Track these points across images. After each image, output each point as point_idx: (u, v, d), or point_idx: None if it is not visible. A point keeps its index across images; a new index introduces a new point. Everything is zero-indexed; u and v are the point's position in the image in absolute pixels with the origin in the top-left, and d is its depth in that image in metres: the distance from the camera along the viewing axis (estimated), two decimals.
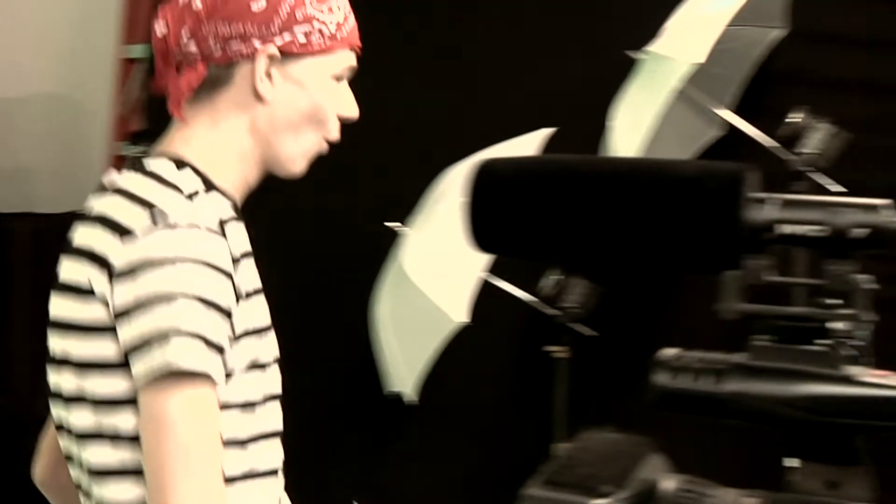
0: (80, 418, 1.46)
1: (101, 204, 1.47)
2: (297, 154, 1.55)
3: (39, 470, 1.71)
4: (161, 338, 1.36)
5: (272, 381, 1.52)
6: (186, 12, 1.50)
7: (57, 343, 1.48)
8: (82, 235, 1.47)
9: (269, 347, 1.52)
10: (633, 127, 3.15)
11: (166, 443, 1.36)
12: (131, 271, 1.39)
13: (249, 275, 1.49)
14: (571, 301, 3.44)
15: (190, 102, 1.52)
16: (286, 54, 1.50)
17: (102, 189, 1.50)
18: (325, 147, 1.58)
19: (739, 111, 3.45)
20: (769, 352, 0.79)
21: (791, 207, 0.79)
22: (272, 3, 1.49)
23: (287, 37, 1.49)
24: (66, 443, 1.52)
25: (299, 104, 1.52)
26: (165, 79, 1.53)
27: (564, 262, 1.25)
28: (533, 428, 3.68)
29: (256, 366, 1.48)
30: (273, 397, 1.53)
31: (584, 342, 3.49)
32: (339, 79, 1.55)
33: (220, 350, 1.40)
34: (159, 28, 1.52)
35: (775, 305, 0.81)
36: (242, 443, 1.47)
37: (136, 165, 1.51)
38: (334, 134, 1.58)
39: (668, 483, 0.81)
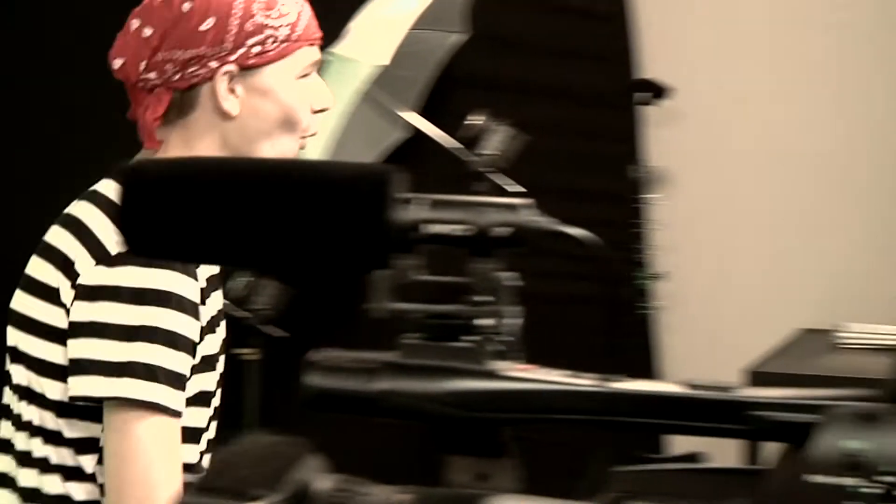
0: (29, 412, 1.51)
1: (83, 212, 1.50)
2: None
3: None
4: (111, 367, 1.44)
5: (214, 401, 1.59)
6: (139, 42, 1.51)
7: (13, 336, 1.53)
8: (59, 238, 1.51)
9: (216, 375, 1.56)
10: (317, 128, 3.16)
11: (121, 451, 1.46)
12: (94, 294, 1.45)
13: (215, 301, 1.53)
14: (262, 303, 3.42)
15: (161, 127, 1.54)
16: (245, 68, 1.52)
17: (90, 195, 1.52)
18: (304, 144, 1.60)
19: (424, 113, 3.52)
20: (418, 349, 0.81)
21: (438, 208, 0.80)
22: (220, 21, 1.49)
23: (241, 51, 1.51)
24: (7, 429, 1.56)
25: (269, 113, 1.54)
26: (134, 108, 1.56)
27: (223, 262, 1.24)
28: (223, 432, 3.63)
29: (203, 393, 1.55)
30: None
31: (275, 344, 3.47)
32: (305, 76, 1.57)
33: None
34: (116, 61, 1.54)
35: (425, 304, 0.82)
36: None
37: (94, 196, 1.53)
38: (312, 129, 1.60)
39: (323, 483, 0.81)
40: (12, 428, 1.56)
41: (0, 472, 1.57)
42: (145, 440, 1.42)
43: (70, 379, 1.46)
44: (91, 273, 1.46)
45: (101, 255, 1.46)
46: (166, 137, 1.55)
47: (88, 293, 1.45)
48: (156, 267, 1.42)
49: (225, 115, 1.53)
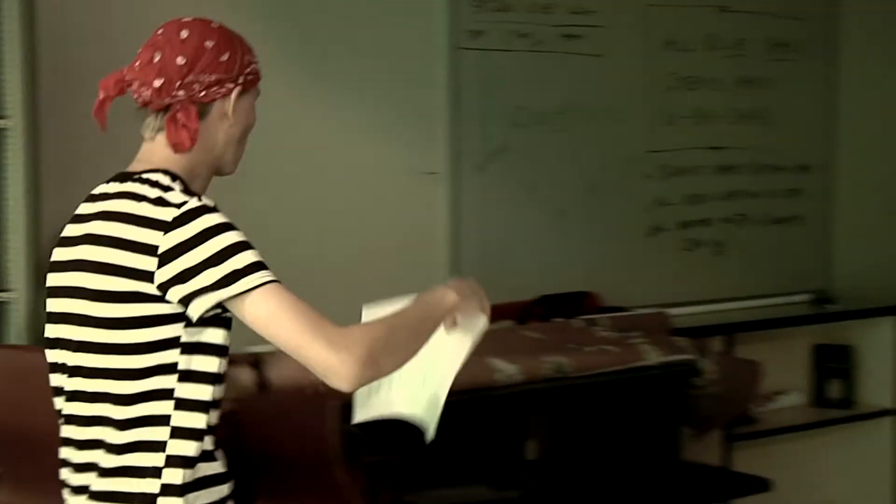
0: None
1: (127, 206, 1.95)
2: (238, 159, 2.11)
3: None
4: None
5: None
6: (174, 68, 2.01)
7: (87, 280, 1.95)
8: (120, 206, 1.95)
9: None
10: None
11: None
12: (183, 248, 1.89)
13: None
14: None
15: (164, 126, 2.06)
16: (243, 90, 2.07)
17: (125, 194, 1.97)
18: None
19: None
20: None
21: None
22: (231, 55, 2.05)
23: (241, 79, 2.06)
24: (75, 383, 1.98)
25: (244, 124, 2.09)
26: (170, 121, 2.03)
27: None
28: None
29: None
30: None
31: None
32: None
33: None
34: (156, 81, 2.01)
35: None
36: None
37: (139, 178, 2.00)
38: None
39: None
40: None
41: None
42: (284, 297, 1.88)
43: (197, 300, 1.89)
44: (170, 237, 1.90)
45: (168, 226, 1.91)
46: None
47: (171, 252, 1.90)
48: (210, 212, 1.92)
49: (226, 121, 2.06)
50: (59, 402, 2.01)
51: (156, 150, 2.04)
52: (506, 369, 3.25)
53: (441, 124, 4.03)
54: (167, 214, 1.90)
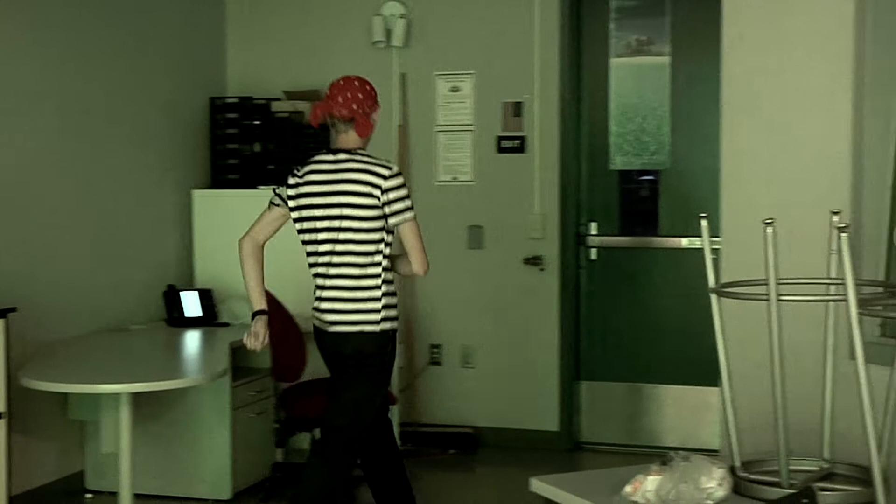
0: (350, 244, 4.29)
1: (356, 160, 4.30)
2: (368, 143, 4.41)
3: (248, 246, 4.39)
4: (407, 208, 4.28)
5: None
6: (356, 100, 4.30)
7: (337, 211, 4.26)
8: (359, 174, 4.25)
9: None
10: None
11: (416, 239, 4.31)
12: (395, 188, 4.25)
13: None
14: None
15: (352, 127, 4.34)
16: (377, 109, 4.40)
17: (350, 160, 4.31)
18: None
19: None
20: None
21: None
22: (374, 93, 4.38)
23: (377, 104, 4.41)
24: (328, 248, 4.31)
25: (375, 126, 4.40)
26: (354, 125, 4.33)
27: None
28: None
29: None
30: None
31: None
32: None
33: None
34: (348, 106, 4.30)
35: None
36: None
37: (353, 152, 4.33)
38: None
39: None
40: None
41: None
42: (416, 227, 4.29)
43: (393, 219, 4.25)
44: (388, 183, 4.22)
45: (388, 175, 4.23)
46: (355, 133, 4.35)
47: (392, 189, 4.23)
48: (400, 175, 4.26)
49: (374, 123, 4.38)
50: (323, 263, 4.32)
51: (349, 138, 4.34)
52: None
53: None
54: (385, 171, 4.24)
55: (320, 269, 4.25)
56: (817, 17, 4.16)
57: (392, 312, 4.26)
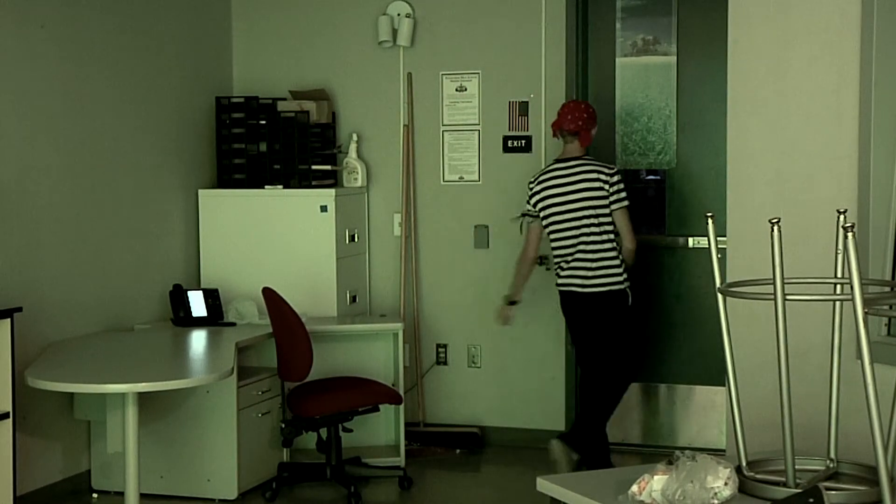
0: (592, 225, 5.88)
1: (585, 163, 5.89)
2: None
3: (531, 252, 6.11)
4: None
5: None
6: (582, 119, 5.90)
7: (580, 202, 5.85)
8: (590, 173, 5.85)
9: None
10: None
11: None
12: (616, 184, 5.85)
13: None
14: None
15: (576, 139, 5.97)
16: (595, 125, 6.05)
17: (579, 164, 5.91)
18: None
19: None
20: None
21: None
22: (595, 113, 5.98)
23: (596, 120, 6.00)
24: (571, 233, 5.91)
25: (593, 139, 6.07)
26: (578, 137, 5.95)
27: None
28: None
29: None
30: None
31: None
32: None
33: None
34: (575, 122, 5.91)
35: None
36: None
37: (583, 157, 5.95)
38: None
39: None
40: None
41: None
42: (628, 213, 5.86)
43: (614, 205, 5.83)
44: (612, 179, 5.81)
45: (609, 173, 5.83)
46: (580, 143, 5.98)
47: (614, 184, 5.82)
48: (619, 172, 5.99)
49: (592, 135, 5.98)
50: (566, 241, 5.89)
51: (573, 148, 5.90)
52: None
53: None
54: (608, 172, 5.79)
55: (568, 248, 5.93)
56: (823, 16, 4.16)
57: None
